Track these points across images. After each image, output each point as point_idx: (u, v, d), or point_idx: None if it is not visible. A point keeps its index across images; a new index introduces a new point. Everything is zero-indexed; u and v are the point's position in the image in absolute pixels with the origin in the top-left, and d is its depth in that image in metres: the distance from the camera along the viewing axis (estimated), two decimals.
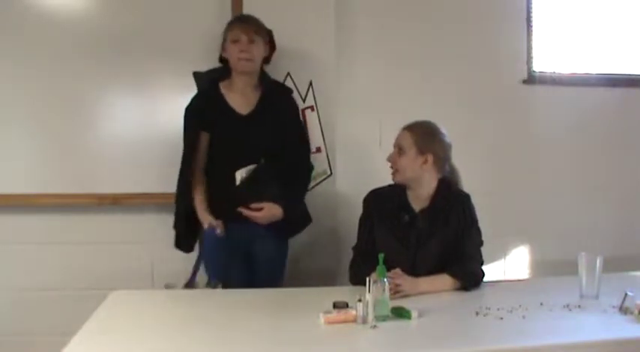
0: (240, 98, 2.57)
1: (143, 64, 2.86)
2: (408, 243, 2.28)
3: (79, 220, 2.88)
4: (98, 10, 2.86)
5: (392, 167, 2.34)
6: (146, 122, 2.86)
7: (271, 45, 2.64)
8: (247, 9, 2.86)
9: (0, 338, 2.85)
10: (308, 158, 2.72)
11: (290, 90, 2.77)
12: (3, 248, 2.86)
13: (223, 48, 2.57)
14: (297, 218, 2.61)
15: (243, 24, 2.55)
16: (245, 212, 2.44)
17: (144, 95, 2.89)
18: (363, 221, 2.39)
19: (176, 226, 2.58)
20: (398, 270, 2.11)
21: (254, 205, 2.44)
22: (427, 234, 2.28)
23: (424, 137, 2.32)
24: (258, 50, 2.55)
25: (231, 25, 2.56)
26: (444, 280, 2.18)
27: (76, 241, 2.89)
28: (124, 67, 2.86)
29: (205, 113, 2.55)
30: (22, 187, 2.82)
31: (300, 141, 2.69)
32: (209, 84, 2.60)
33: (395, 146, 2.35)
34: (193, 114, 2.57)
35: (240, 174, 2.46)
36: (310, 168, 2.73)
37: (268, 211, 2.46)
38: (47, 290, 2.87)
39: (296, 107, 2.73)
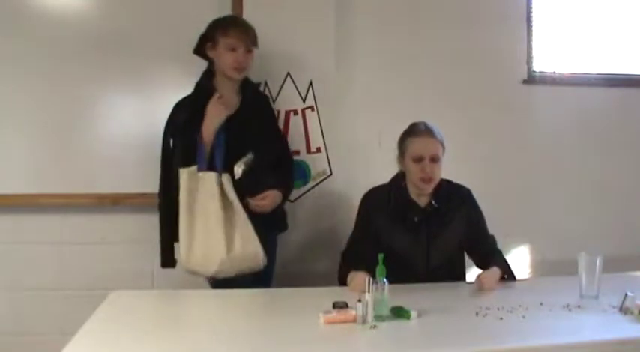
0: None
1: (143, 64, 2.87)
2: (421, 237, 2.34)
3: (79, 220, 2.89)
4: (98, 10, 2.87)
5: (428, 179, 2.30)
6: (146, 122, 2.86)
7: None
8: (247, 9, 2.85)
9: (0, 338, 2.85)
10: (290, 155, 2.74)
11: (266, 97, 2.80)
12: (3, 248, 2.86)
13: (210, 47, 2.50)
14: (282, 212, 2.63)
15: (242, 34, 2.48)
16: (253, 203, 2.41)
17: (144, 95, 2.90)
18: (360, 221, 2.41)
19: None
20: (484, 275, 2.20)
21: (259, 196, 2.43)
22: (438, 228, 2.35)
23: (443, 141, 2.35)
24: (252, 59, 2.53)
25: (227, 30, 2.47)
26: (498, 271, 2.26)
27: (76, 241, 2.89)
28: (124, 67, 2.86)
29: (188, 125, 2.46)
30: (22, 187, 2.82)
31: (280, 138, 2.71)
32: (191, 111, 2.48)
33: (427, 156, 2.30)
34: (176, 128, 2.49)
35: (239, 167, 2.44)
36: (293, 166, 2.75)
37: (272, 198, 2.46)
38: (47, 290, 2.87)
39: (273, 110, 2.78)
